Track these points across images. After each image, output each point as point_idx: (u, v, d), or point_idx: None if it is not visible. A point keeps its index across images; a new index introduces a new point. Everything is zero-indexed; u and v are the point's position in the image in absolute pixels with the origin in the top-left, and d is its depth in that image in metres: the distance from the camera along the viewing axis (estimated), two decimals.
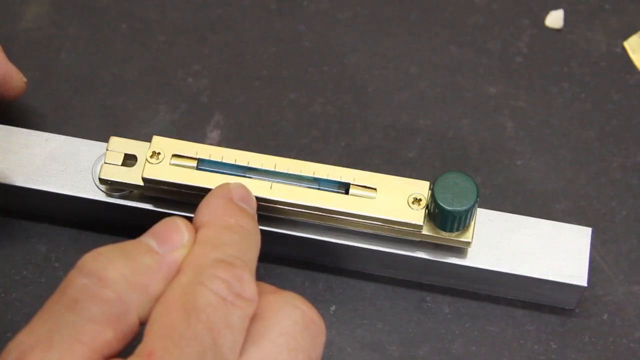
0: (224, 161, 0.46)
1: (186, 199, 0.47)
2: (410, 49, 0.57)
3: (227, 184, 0.42)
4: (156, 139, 0.47)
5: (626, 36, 0.57)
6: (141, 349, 0.35)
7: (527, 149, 0.54)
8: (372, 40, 0.57)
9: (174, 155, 0.47)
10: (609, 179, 0.53)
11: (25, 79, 0.51)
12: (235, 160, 0.47)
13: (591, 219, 0.52)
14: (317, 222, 0.47)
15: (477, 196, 0.45)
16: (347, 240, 0.48)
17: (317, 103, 0.55)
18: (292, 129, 0.54)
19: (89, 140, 0.50)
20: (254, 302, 0.37)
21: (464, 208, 0.45)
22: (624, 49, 0.57)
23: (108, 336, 0.36)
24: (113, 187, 0.48)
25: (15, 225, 0.51)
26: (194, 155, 0.47)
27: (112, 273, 0.37)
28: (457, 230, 0.46)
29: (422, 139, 0.54)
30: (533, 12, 0.58)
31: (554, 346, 0.49)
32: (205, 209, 0.41)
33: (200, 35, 0.57)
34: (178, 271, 0.38)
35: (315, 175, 0.46)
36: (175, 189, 0.47)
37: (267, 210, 0.47)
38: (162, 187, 0.47)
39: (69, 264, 0.50)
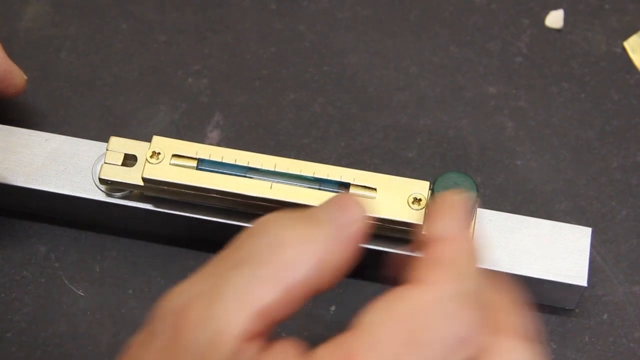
0: (224, 161, 0.46)
1: (186, 198, 0.47)
2: (410, 49, 0.57)
3: (462, 198, 0.39)
4: (156, 139, 0.47)
5: (626, 36, 0.57)
6: (343, 343, 0.33)
7: (527, 149, 0.54)
8: (372, 40, 0.57)
9: (174, 155, 0.47)
10: (609, 179, 0.53)
11: (25, 77, 0.51)
12: (235, 160, 0.47)
13: (591, 219, 0.52)
14: None
15: (477, 196, 0.45)
16: None
17: (317, 103, 0.55)
18: (292, 129, 0.54)
19: (89, 140, 0.50)
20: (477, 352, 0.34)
21: None
22: (624, 49, 0.57)
23: (276, 300, 0.34)
24: (113, 187, 0.48)
25: (15, 225, 0.51)
26: (194, 155, 0.47)
27: (290, 238, 0.35)
28: None
29: (422, 139, 0.54)
30: (533, 12, 0.58)
31: (554, 346, 0.49)
32: (450, 220, 0.37)
33: (200, 35, 0.57)
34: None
35: (315, 175, 0.46)
36: (175, 189, 0.47)
37: (267, 210, 0.47)
38: (162, 187, 0.47)
39: (69, 264, 0.50)
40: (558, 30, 0.57)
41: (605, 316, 0.50)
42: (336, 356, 0.33)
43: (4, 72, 0.50)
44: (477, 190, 0.45)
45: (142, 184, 0.47)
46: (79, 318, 0.49)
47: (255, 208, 0.47)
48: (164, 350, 0.33)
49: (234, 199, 0.46)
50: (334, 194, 0.46)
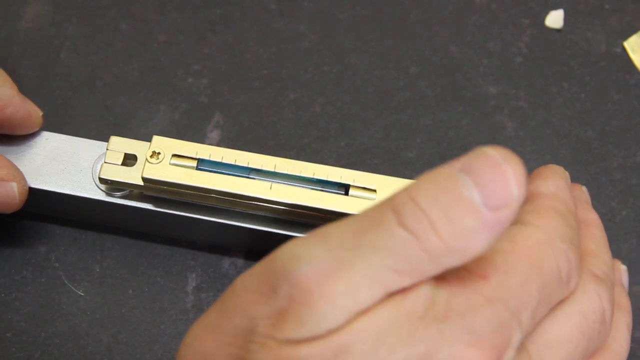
0: (223, 161, 0.47)
1: (186, 198, 0.47)
2: (410, 49, 0.57)
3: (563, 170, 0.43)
4: (156, 138, 0.47)
5: (626, 36, 0.57)
6: (477, 266, 0.34)
7: (527, 149, 0.54)
8: (372, 40, 0.57)
9: (174, 155, 0.47)
10: (609, 179, 0.53)
11: (41, 112, 0.50)
12: (235, 161, 0.47)
13: None
14: (317, 222, 0.47)
15: None
16: None
17: (317, 103, 0.55)
18: (292, 129, 0.54)
19: (89, 140, 0.50)
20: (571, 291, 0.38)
21: None
22: (624, 49, 0.57)
23: (405, 284, 0.34)
24: (113, 186, 0.48)
25: (15, 225, 0.51)
26: (194, 155, 0.47)
27: (432, 237, 0.33)
28: None
29: (422, 139, 0.54)
30: (533, 12, 0.58)
31: None
32: (554, 181, 0.41)
33: (200, 35, 0.57)
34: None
35: (315, 176, 0.46)
36: (175, 189, 0.47)
37: (266, 211, 0.47)
38: (162, 187, 0.47)
39: (69, 264, 0.50)
40: (558, 30, 0.57)
41: None
42: (469, 279, 0.34)
43: (22, 116, 0.49)
44: None
45: (142, 183, 0.47)
46: (79, 318, 0.49)
47: (255, 208, 0.47)
48: (283, 312, 0.33)
49: (233, 199, 0.46)
50: (333, 194, 0.46)
